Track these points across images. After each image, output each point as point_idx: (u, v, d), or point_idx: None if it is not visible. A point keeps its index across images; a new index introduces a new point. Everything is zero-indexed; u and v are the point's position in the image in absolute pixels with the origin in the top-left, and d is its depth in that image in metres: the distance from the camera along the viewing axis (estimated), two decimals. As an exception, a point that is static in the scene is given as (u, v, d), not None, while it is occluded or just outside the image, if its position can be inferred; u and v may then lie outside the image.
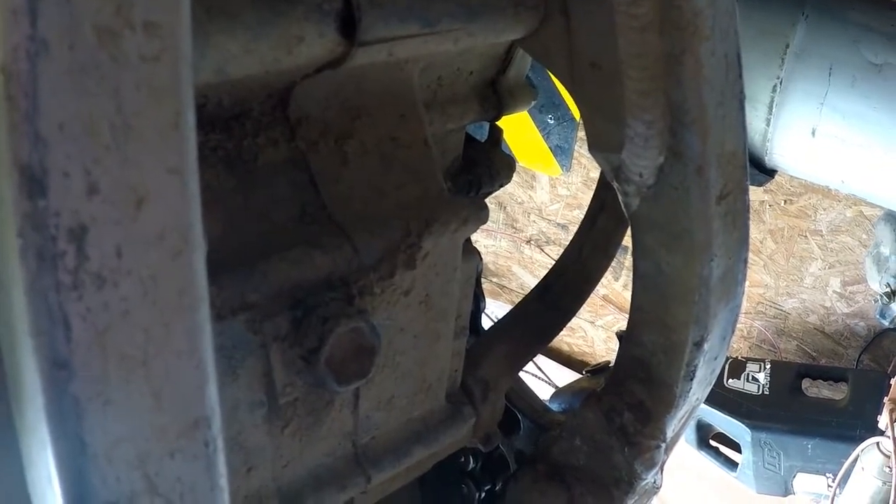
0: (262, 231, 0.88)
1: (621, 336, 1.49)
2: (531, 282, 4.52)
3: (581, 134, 4.14)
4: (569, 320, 1.35)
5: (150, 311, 0.56)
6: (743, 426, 3.04)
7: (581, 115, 1.02)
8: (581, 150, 4.19)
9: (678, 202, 1.00)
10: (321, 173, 0.93)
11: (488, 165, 1.30)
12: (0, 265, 0.53)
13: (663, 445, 1.18)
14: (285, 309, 0.87)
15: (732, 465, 3.21)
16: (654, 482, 1.24)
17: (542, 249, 4.60)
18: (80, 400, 0.54)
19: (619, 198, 1.04)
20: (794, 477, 3.09)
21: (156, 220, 0.54)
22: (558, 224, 4.48)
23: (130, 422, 0.57)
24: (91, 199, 0.51)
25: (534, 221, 4.57)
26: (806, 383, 3.18)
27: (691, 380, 1.13)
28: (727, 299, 1.09)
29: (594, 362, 4.50)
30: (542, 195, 4.48)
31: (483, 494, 1.47)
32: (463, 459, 1.45)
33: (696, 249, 1.02)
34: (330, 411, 0.99)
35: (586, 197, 4.28)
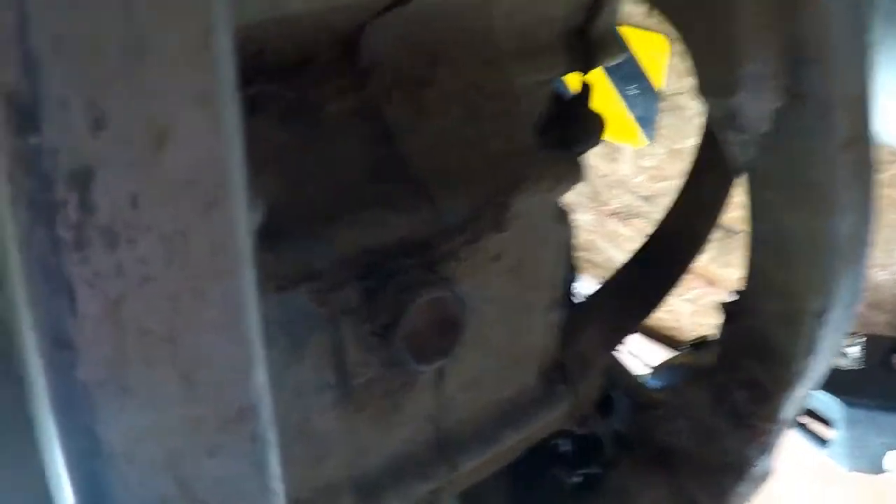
0: (329, 190, 0.77)
1: (726, 308, 1.38)
2: (617, 255, 4.41)
3: (664, 104, 4.03)
4: (672, 288, 1.24)
5: (176, 276, 0.45)
6: (834, 402, 2.94)
7: (690, 57, 0.91)
8: (664, 120, 4.08)
9: (799, 151, 0.89)
10: (397, 125, 0.82)
11: (577, 123, 1.19)
12: None
13: (779, 428, 1.07)
14: (356, 278, 0.77)
15: (822, 442, 3.12)
16: (766, 468, 1.13)
17: (626, 223, 4.48)
18: (89, 386, 0.43)
19: (732, 149, 0.93)
20: (886, 454, 3.01)
21: (182, 161, 0.43)
22: (643, 197, 4.35)
23: (156, 413, 0.46)
24: (97, 134, 0.40)
25: (617, 194, 4.45)
26: (897, 358, 3.09)
27: (813, 355, 1.02)
28: (854, 262, 0.97)
29: (681, 337, 4.39)
30: (626, 167, 4.36)
31: (578, 479, 1.37)
32: (555, 442, 1.36)
33: (821, 204, 0.91)
34: (410, 393, 0.88)
35: (671, 168, 4.16)
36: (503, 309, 0.93)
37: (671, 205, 1.25)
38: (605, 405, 1.28)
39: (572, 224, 0.99)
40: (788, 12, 0.83)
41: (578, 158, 0.91)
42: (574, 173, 0.89)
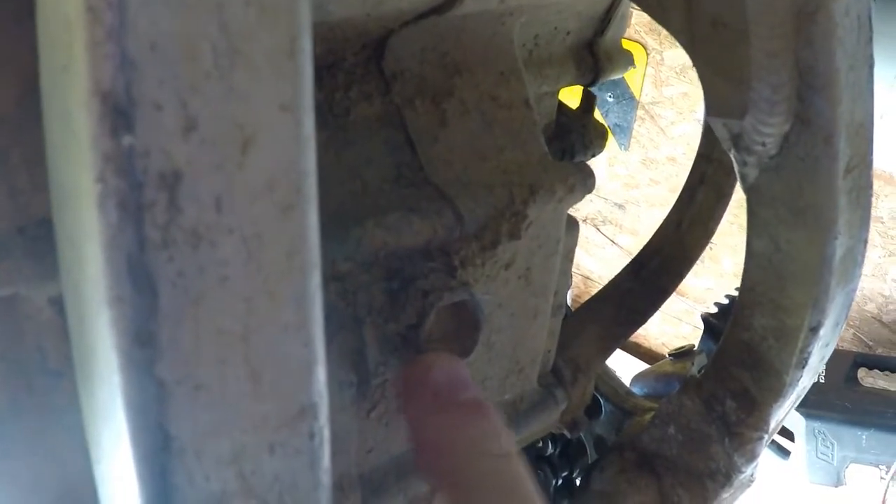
0: (354, 192, 0.79)
1: (710, 319, 1.41)
2: (588, 262, 4.44)
3: (640, 113, 4.06)
4: (664, 300, 1.26)
5: (253, 277, 0.46)
6: (797, 414, 2.98)
7: (700, 78, 0.93)
8: (639, 128, 4.11)
9: (803, 174, 0.92)
10: (418, 133, 0.84)
11: (581, 133, 1.21)
12: (72, 217, 0.44)
13: (766, 437, 1.10)
14: (381, 280, 0.79)
15: (785, 452, 3.16)
16: (751, 475, 1.16)
17: (598, 229, 4.50)
18: (166, 383, 0.45)
19: (736, 169, 0.96)
20: (847, 467, 3.04)
21: (264, 165, 0.45)
22: (615, 204, 4.39)
23: (225, 410, 0.48)
24: (187, 137, 0.42)
25: (590, 200, 4.47)
26: (862, 373, 3.13)
27: (803, 367, 1.04)
28: (846, 282, 1.00)
29: (648, 346, 4.43)
30: (599, 174, 4.39)
31: (560, 481, 1.39)
32: (541, 444, 1.38)
33: (820, 226, 0.93)
34: None
35: (644, 176, 4.20)
36: (511, 314, 0.95)
37: (666, 218, 1.27)
38: (592, 409, 1.31)
39: (578, 232, 1.01)
40: (802, 39, 0.85)
41: (589, 169, 0.93)
42: (586, 183, 0.92)
